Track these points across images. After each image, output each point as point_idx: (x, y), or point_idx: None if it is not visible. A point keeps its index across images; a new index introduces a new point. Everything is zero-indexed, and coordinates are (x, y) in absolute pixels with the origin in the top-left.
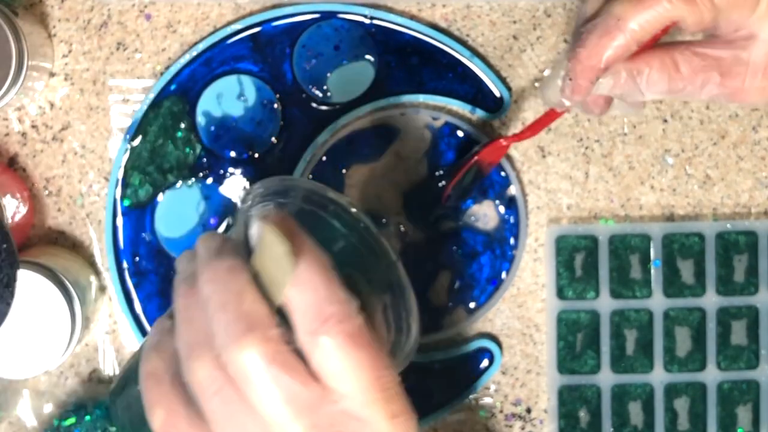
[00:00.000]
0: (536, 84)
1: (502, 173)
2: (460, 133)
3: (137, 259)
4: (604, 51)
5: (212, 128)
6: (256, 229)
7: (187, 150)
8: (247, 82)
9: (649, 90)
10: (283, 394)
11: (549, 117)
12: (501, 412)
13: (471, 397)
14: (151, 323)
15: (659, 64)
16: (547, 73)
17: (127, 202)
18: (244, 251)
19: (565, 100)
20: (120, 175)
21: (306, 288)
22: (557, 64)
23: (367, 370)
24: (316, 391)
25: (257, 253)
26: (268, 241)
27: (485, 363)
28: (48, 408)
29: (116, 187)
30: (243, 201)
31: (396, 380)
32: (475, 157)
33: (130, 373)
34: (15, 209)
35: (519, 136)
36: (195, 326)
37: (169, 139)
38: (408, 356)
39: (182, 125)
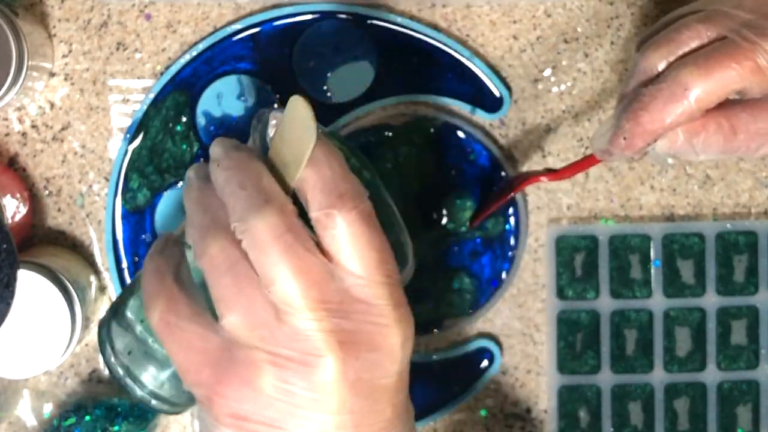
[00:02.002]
0: (590, 138)
1: (503, 173)
2: (460, 134)
3: (137, 259)
4: (667, 118)
5: (212, 128)
6: (275, 114)
7: (184, 146)
8: (247, 82)
9: (704, 152)
10: (296, 264)
11: (589, 162)
12: (501, 412)
13: (471, 397)
14: None
15: (716, 127)
16: (601, 123)
17: (126, 206)
18: (258, 153)
19: (616, 152)
20: (119, 176)
21: (322, 165)
22: (614, 116)
23: (376, 251)
24: (326, 266)
25: (278, 132)
26: (295, 108)
27: (485, 363)
28: (48, 408)
29: (116, 190)
30: (257, 119)
31: (399, 276)
32: (512, 194)
33: (124, 295)
34: (15, 209)
35: (558, 175)
36: (209, 211)
37: (169, 134)
38: (403, 280)
39: (183, 119)
